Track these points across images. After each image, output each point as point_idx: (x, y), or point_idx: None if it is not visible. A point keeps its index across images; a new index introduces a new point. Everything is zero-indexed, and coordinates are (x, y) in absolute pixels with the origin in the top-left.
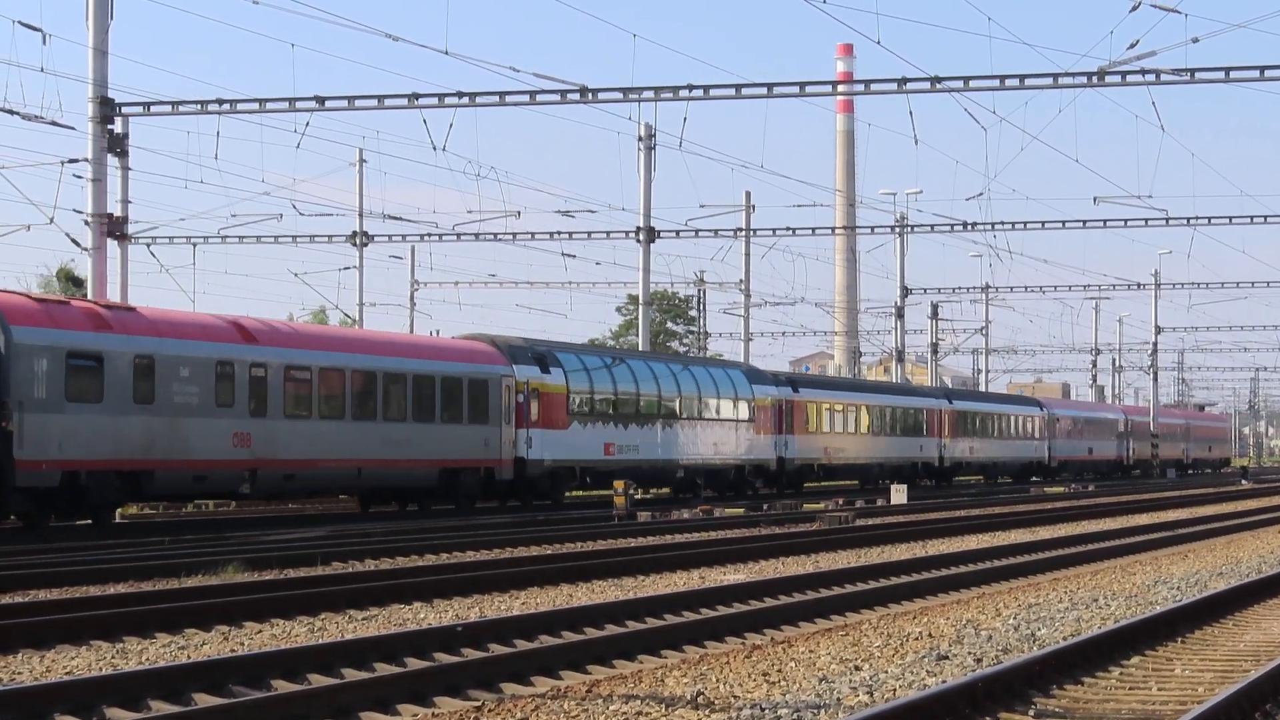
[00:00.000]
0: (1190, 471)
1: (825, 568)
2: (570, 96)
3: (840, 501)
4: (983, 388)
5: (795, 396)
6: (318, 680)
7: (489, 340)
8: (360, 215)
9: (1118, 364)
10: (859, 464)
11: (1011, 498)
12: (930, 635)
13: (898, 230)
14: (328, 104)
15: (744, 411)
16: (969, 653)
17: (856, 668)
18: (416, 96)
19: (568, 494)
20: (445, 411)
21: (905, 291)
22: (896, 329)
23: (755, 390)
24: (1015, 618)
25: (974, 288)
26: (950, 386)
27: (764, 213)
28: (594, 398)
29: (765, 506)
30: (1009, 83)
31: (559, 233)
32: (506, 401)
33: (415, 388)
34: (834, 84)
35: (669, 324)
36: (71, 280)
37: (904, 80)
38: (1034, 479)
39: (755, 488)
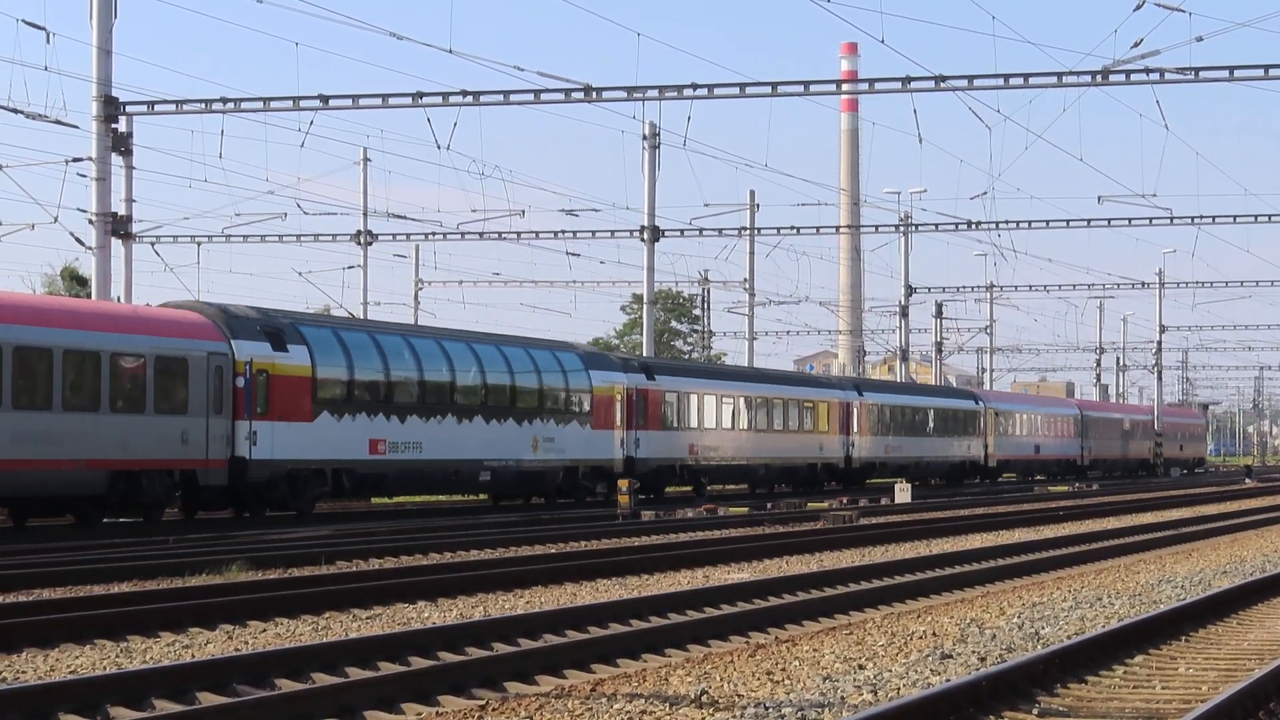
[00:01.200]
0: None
1: (829, 567)
2: (574, 95)
3: (844, 501)
4: (987, 386)
5: (650, 385)
6: (322, 679)
7: (202, 309)
8: (364, 214)
9: (1122, 363)
10: (737, 465)
11: (1015, 496)
12: (934, 634)
13: (902, 229)
14: (332, 103)
15: (576, 402)
16: (973, 651)
17: (860, 667)
18: (421, 95)
19: (319, 504)
20: (118, 398)
21: (910, 290)
22: (901, 328)
23: (594, 377)
24: (1019, 616)
25: (978, 286)
26: (863, 377)
27: (768, 211)
28: (354, 383)
29: (769, 505)
30: (1013, 81)
31: (563, 232)
32: (218, 386)
33: (68, 366)
34: (838, 83)
35: (673, 323)
36: (76, 279)
37: (908, 79)
38: (968, 482)
39: (595, 493)
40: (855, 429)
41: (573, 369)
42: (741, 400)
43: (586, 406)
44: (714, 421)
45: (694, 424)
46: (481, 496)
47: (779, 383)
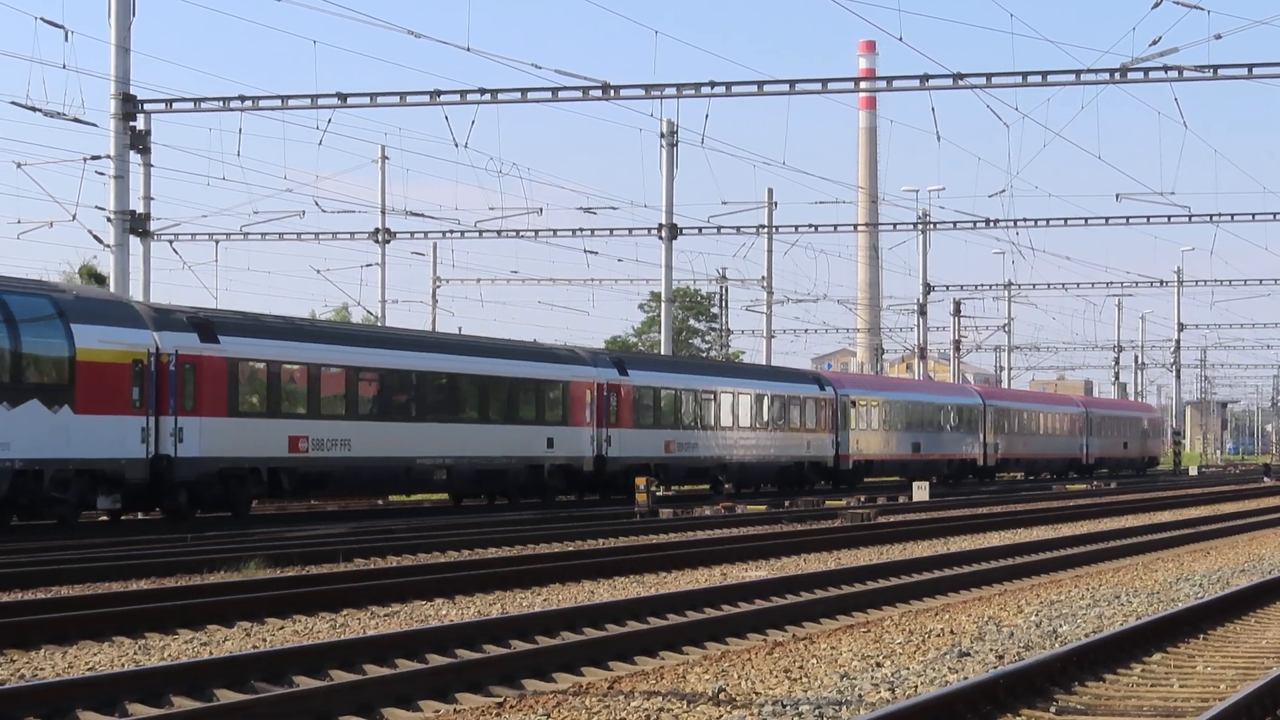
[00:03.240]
0: (1100, 474)
1: (847, 564)
2: (592, 93)
3: (862, 499)
4: (1005, 384)
5: (209, 350)
6: (340, 677)
7: None
8: (382, 212)
9: (1140, 361)
10: (389, 466)
11: (1033, 495)
12: (952, 632)
13: (920, 227)
14: (350, 101)
15: (44, 373)
16: (991, 649)
17: (878, 664)
18: (438, 93)
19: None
20: None
21: (928, 288)
22: (919, 326)
23: (82, 335)
24: (1037, 614)
25: (996, 284)
26: (630, 352)
27: (786, 209)
28: None
29: (787, 503)
30: (1031, 79)
31: (581, 230)
32: None
33: None
34: (856, 80)
35: (691, 321)
36: (94, 277)
37: (926, 77)
38: (820, 486)
39: (92, 509)
40: (613, 419)
41: (33, 321)
42: (411, 375)
43: (65, 379)
44: (370, 407)
45: (301, 408)
46: None
47: (478, 353)
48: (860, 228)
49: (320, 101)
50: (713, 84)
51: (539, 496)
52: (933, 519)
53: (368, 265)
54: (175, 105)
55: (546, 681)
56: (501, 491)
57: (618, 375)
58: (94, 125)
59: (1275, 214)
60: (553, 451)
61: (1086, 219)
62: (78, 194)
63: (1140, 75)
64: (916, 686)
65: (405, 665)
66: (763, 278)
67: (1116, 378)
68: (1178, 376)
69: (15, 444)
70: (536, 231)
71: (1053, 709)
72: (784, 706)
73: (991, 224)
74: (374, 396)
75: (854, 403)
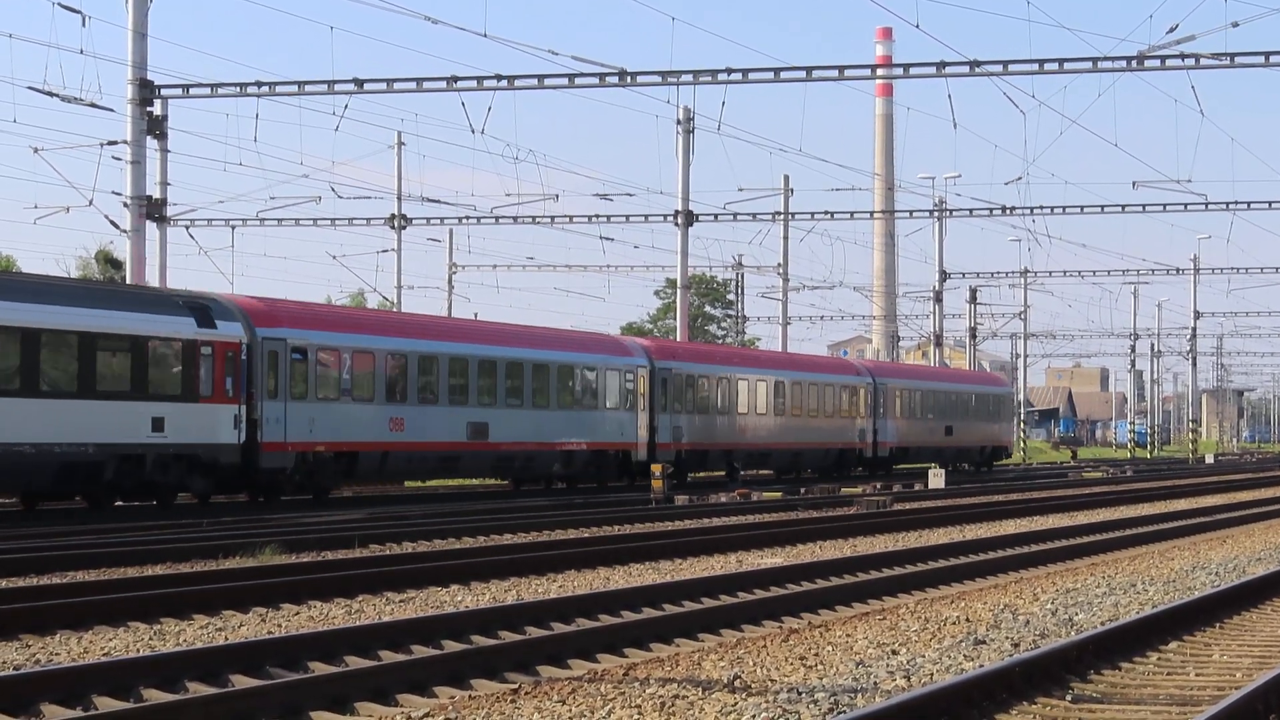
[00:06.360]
0: (889, 471)
1: (862, 552)
2: (609, 79)
3: (877, 486)
4: (1021, 373)
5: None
6: (355, 662)
7: None
8: (398, 198)
9: (1156, 349)
10: None
11: (1050, 483)
12: (967, 620)
13: (936, 214)
14: (366, 86)
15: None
16: (1006, 637)
17: (893, 652)
18: (455, 79)
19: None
20: None
21: (944, 276)
22: (935, 313)
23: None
24: (1053, 602)
25: (1013, 272)
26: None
27: (802, 196)
28: None
29: (803, 490)
30: (1048, 66)
31: (597, 216)
32: None
33: None
34: (873, 67)
35: (707, 308)
36: (110, 262)
37: (943, 64)
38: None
39: None
40: None
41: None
42: None
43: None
44: None
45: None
46: None
47: None
48: (876, 215)
49: (337, 87)
50: (729, 71)
51: None
52: (949, 506)
53: (384, 251)
54: (192, 91)
55: (562, 668)
56: None
57: None
58: (111, 110)
59: None
60: None
61: (1103, 206)
62: (94, 179)
63: (1157, 63)
64: (932, 674)
65: (421, 651)
66: (779, 264)
67: (1133, 365)
68: (1194, 364)
69: None
70: (553, 218)
71: (1068, 697)
72: (799, 694)
73: (1008, 211)
74: None
75: (300, 352)
